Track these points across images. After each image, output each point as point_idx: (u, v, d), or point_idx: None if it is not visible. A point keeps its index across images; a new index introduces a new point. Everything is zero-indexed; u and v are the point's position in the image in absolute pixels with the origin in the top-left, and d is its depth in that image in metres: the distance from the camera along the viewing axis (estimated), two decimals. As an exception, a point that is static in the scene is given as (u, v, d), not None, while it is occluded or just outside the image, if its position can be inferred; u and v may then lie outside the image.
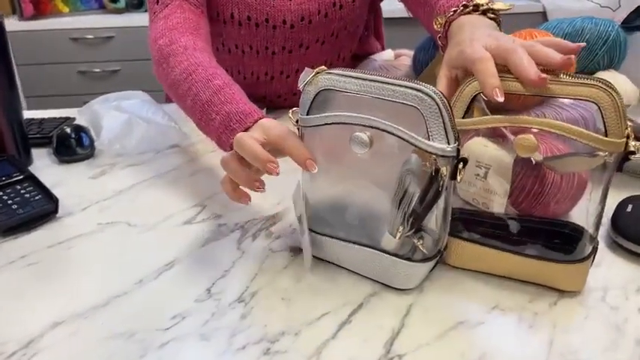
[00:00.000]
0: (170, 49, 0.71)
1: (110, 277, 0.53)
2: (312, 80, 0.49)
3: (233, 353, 0.43)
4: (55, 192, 0.66)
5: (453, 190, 0.51)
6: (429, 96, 0.44)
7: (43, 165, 0.80)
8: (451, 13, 0.63)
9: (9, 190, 0.65)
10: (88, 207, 0.67)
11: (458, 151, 0.45)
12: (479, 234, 0.54)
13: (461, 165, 0.45)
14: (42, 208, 0.63)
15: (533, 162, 0.55)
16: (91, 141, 0.82)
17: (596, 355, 0.42)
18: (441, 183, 0.46)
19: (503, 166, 0.56)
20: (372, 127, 0.47)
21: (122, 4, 2.37)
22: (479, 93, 0.49)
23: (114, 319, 0.48)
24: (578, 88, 0.45)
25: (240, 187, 0.54)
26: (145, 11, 2.49)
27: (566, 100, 0.67)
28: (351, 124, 0.48)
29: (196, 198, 0.68)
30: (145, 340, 0.45)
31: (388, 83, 0.45)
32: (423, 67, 0.89)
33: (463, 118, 0.50)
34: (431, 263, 0.50)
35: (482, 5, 0.63)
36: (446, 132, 0.44)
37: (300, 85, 0.50)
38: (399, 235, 0.49)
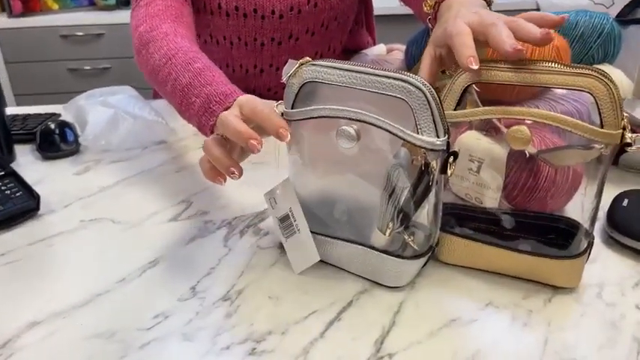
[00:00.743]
0: (150, 35, 0.68)
1: (91, 275, 0.52)
2: (296, 72, 0.48)
3: (217, 353, 0.42)
4: (38, 189, 0.64)
5: (444, 184, 0.50)
6: (417, 87, 0.42)
7: (27, 161, 0.78)
8: None
9: (-11, 187, 0.63)
10: (71, 204, 0.66)
11: (448, 144, 0.43)
12: (471, 229, 0.52)
13: (451, 159, 0.44)
14: (22, 205, 0.61)
15: (527, 155, 0.54)
16: (76, 137, 0.80)
17: (592, 353, 0.41)
18: (431, 177, 0.45)
19: (497, 159, 0.55)
20: (358, 120, 0.45)
21: (112, 1, 2.35)
22: (471, 84, 0.47)
23: (94, 318, 0.46)
24: (573, 78, 0.43)
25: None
26: (136, 8, 2.46)
27: (559, 93, 0.66)
28: (337, 117, 0.46)
29: (182, 194, 0.67)
30: (125, 340, 0.43)
31: (374, 74, 0.44)
32: (415, 60, 0.88)
33: (455, 110, 0.48)
34: (422, 260, 0.48)
35: None
36: (435, 125, 0.43)
37: (284, 78, 0.49)
38: (388, 231, 0.47)
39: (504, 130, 0.57)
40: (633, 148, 0.43)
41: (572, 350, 0.41)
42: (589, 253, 0.48)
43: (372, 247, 0.49)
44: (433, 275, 0.50)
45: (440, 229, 0.50)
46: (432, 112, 0.42)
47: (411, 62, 0.90)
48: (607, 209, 0.57)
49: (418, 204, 0.46)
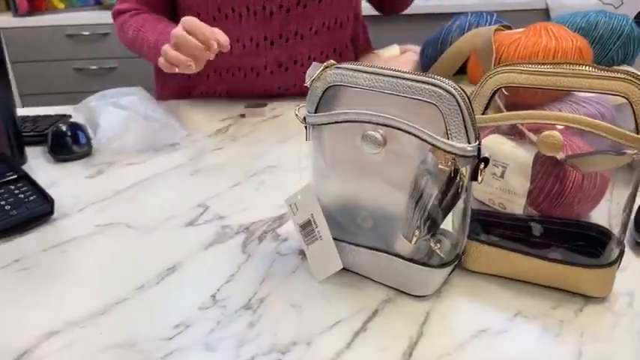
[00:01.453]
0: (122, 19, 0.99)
1: (109, 282, 0.51)
2: (320, 75, 0.46)
3: (241, 365, 0.41)
4: (51, 192, 0.63)
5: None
6: (448, 92, 0.41)
7: (38, 164, 0.77)
8: None
9: (2, 191, 0.61)
10: (85, 208, 0.65)
11: (479, 150, 0.42)
12: (498, 236, 0.51)
13: (482, 165, 0.43)
14: (37, 209, 0.60)
15: (554, 160, 0.53)
16: (88, 139, 0.79)
17: (627, 366, 0.40)
18: (461, 184, 0.43)
19: (522, 164, 0.53)
20: (385, 125, 0.44)
21: (119, 0, 2.34)
22: (500, 88, 0.46)
23: (113, 327, 0.45)
24: (607, 82, 0.42)
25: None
26: (142, 7, 2.45)
27: (582, 95, 0.65)
28: (363, 122, 0.45)
29: (198, 198, 0.66)
30: (146, 350, 0.42)
31: (403, 78, 0.43)
32: (430, 62, 0.87)
33: (483, 114, 0.47)
34: (449, 268, 0.47)
35: None
36: (466, 130, 0.41)
37: (308, 81, 0.47)
38: (415, 239, 0.46)
39: (529, 134, 0.56)
40: (669, 154, 0.42)
41: (607, 363, 0.40)
42: (620, 262, 0.47)
43: (397, 255, 0.47)
44: (459, 284, 0.49)
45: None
46: (463, 117, 0.41)
47: (427, 64, 0.89)
48: (634, 215, 0.56)
49: (446, 211, 0.44)
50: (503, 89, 0.46)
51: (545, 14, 2.30)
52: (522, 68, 0.45)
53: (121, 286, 0.50)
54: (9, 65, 2.27)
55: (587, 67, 0.43)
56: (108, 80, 2.34)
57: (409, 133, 0.43)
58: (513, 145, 0.55)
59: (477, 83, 0.72)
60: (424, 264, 0.46)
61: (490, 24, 0.84)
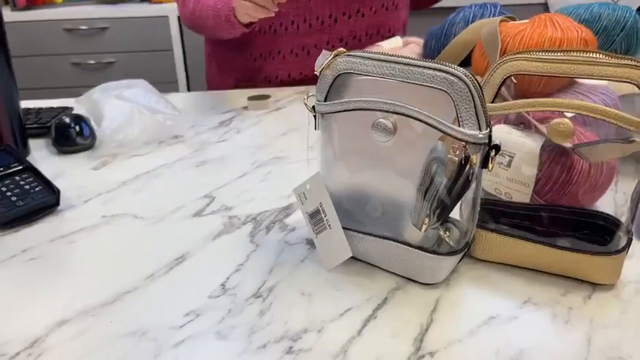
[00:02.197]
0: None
1: (118, 272, 0.51)
2: (330, 63, 0.46)
3: (253, 352, 0.41)
4: (56, 184, 0.63)
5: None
6: (460, 79, 0.41)
7: (41, 156, 0.77)
8: None
9: (7, 182, 0.61)
10: (91, 199, 0.64)
11: (490, 137, 0.42)
12: (506, 225, 0.51)
13: (493, 152, 0.43)
14: (43, 200, 0.60)
15: (561, 149, 0.53)
16: (92, 131, 0.79)
17: (637, 352, 0.40)
18: (471, 172, 0.44)
19: (529, 153, 0.54)
20: (396, 112, 0.44)
21: (117, -6, 2.33)
22: (509, 76, 0.46)
23: (124, 316, 0.45)
24: (616, 69, 0.42)
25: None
26: (140, 1, 2.45)
27: (587, 85, 0.65)
28: (374, 109, 0.45)
29: (204, 189, 0.66)
30: (158, 338, 0.42)
31: (414, 65, 0.43)
32: (434, 54, 0.87)
33: (492, 102, 0.47)
34: (458, 256, 0.47)
35: None
36: (477, 117, 0.41)
37: (317, 69, 0.47)
38: (424, 227, 0.46)
39: (536, 123, 0.56)
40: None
41: (617, 349, 0.40)
42: (628, 249, 0.47)
43: (406, 244, 0.47)
44: (467, 272, 0.49)
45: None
46: (474, 105, 0.41)
47: (430, 56, 0.88)
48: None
49: (456, 199, 0.45)
50: (512, 77, 0.46)
51: (544, 9, 2.30)
52: (532, 56, 0.45)
53: (130, 275, 0.50)
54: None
55: (596, 55, 0.43)
56: (106, 75, 2.34)
57: (420, 120, 0.43)
58: (520, 135, 0.56)
59: (481, 74, 0.73)
60: (433, 252, 0.47)
61: (494, 15, 0.84)
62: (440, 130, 0.42)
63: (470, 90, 0.41)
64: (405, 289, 0.47)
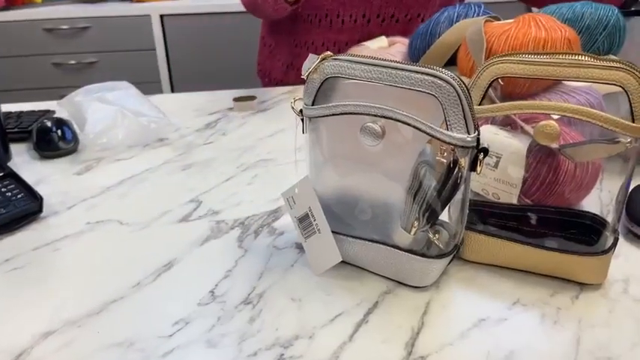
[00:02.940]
0: None
1: (104, 280, 0.50)
2: (317, 67, 0.46)
3: (244, 360, 0.40)
4: (38, 190, 0.62)
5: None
6: (448, 82, 0.41)
7: (23, 161, 0.76)
8: None
9: (-12, 189, 0.60)
10: (75, 205, 0.63)
11: (478, 140, 0.42)
12: (494, 226, 0.51)
13: (481, 155, 0.43)
14: (25, 208, 0.59)
15: (547, 149, 0.53)
16: (74, 135, 0.77)
17: (625, 352, 0.41)
18: (460, 175, 0.44)
19: (517, 154, 0.54)
20: (384, 116, 0.44)
21: (98, -7, 2.29)
22: (496, 79, 0.46)
23: (111, 326, 0.44)
24: (602, 71, 0.42)
25: None
26: (122, 0, 2.41)
27: (571, 85, 0.65)
28: (362, 114, 0.45)
29: (191, 193, 0.65)
30: (146, 348, 0.42)
31: (402, 69, 0.42)
32: (420, 54, 0.87)
33: (480, 104, 0.47)
34: (447, 259, 0.47)
35: None
36: (465, 121, 0.41)
37: (304, 73, 0.47)
38: (413, 230, 0.46)
39: (522, 124, 0.56)
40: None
41: (605, 349, 0.41)
42: (614, 249, 0.48)
43: (396, 247, 0.47)
44: (457, 274, 0.50)
45: (463, 226, 0.49)
46: (462, 108, 0.41)
47: (416, 56, 0.89)
48: (626, 203, 0.57)
49: (445, 202, 0.45)
50: (499, 79, 0.47)
51: (526, 6, 2.31)
52: (519, 58, 0.45)
53: (116, 284, 0.49)
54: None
55: (582, 57, 0.44)
56: (88, 75, 2.30)
57: (408, 124, 0.43)
58: (507, 136, 0.56)
59: (466, 74, 0.73)
60: (423, 255, 0.47)
61: (478, 15, 0.84)
62: (428, 134, 0.42)
63: (458, 94, 0.41)
64: (396, 293, 0.47)
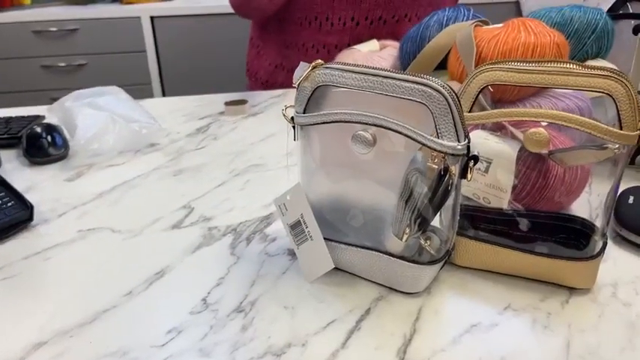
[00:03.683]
0: None
1: (95, 289, 0.50)
2: (309, 76, 0.46)
3: (237, 370, 0.40)
4: (28, 197, 0.61)
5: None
6: (438, 91, 0.41)
7: (12, 168, 0.75)
8: None
9: (-22, 197, 0.60)
10: (66, 212, 0.63)
11: (468, 148, 0.43)
12: (485, 231, 0.52)
13: (471, 163, 0.43)
14: (15, 216, 0.59)
15: (537, 155, 0.54)
16: (65, 141, 0.77)
17: (614, 356, 0.41)
18: (450, 182, 0.44)
19: (507, 159, 0.54)
20: (375, 124, 0.44)
21: (87, -6, 2.28)
22: (486, 86, 0.47)
23: (103, 336, 0.44)
24: (589, 79, 0.43)
25: None
26: (112, 2, 2.40)
27: (560, 90, 0.66)
28: (353, 122, 0.45)
29: (183, 200, 0.65)
30: (139, 358, 0.42)
31: (392, 78, 0.43)
32: (410, 57, 0.87)
33: (470, 111, 0.48)
34: (439, 265, 0.48)
35: None
36: (456, 129, 0.42)
37: (295, 82, 0.47)
38: (405, 237, 0.46)
39: (512, 130, 0.57)
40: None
41: (595, 353, 0.41)
42: (603, 254, 0.48)
43: (388, 253, 0.48)
44: (448, 280, 0.50)
45: (455, 232, 0.49)
46: (452, 116, 0.41)
47: (406, 59, 0.89)
48: (614, 207, 0.57)
49: (436, 209, 0.45)
50: (489, 86, 0.47)
51: (516, 7, 2.33)
52: (508, 66, 0.45)
53: (108, 293, 0.49)
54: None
55: (570, 65, 0.44)
56: (77, 77, 2.29)
57: (399, 132, 0.43)
58: (497, 141, 0.56)
59: (457, 78, 0.73)
60: (414, 261, 0.47)
61: (468, 18, 0.85)
62: (419, 142, 0.42)
63: (448, 102, 0.41)
64: (388, 299, 0.48)
